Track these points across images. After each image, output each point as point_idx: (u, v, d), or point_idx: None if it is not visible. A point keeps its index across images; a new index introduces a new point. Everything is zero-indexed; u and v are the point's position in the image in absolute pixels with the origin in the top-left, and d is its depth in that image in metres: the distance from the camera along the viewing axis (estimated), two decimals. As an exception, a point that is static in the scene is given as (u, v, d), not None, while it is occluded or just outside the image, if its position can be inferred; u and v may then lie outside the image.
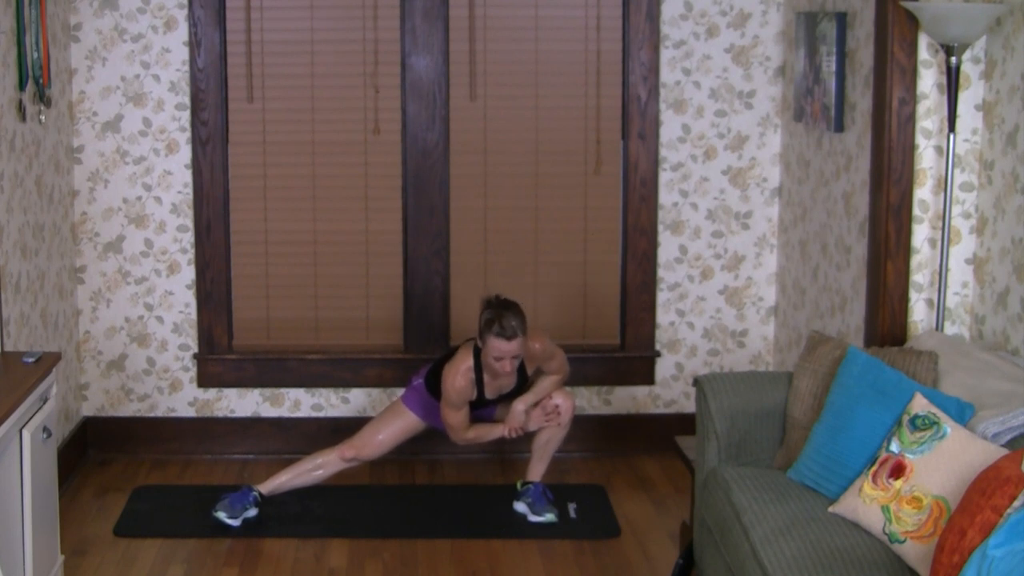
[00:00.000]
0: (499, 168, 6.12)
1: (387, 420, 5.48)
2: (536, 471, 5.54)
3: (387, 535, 5.33)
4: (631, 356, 6.21)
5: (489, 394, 5.38)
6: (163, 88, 5.98)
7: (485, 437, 5.47)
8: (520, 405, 5.40)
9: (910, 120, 4.69)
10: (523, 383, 5.42)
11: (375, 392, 6.17)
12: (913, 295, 4.80)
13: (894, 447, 3.84)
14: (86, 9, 5.90)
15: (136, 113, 5.99)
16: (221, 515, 5.35)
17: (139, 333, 6.11)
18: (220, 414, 6.19)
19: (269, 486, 5.45)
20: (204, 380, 6.15)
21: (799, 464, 4.18)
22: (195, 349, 6.14)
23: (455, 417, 5.35)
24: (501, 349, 5.16)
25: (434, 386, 5.38)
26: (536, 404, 5.43)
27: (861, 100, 5.01)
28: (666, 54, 6.04)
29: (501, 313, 5.16)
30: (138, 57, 5.95)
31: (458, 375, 5.29)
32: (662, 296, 6.19)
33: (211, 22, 5.93)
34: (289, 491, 5.49)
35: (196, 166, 6.02)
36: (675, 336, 6.22)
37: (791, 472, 4.20)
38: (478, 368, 5.31)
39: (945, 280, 4.64)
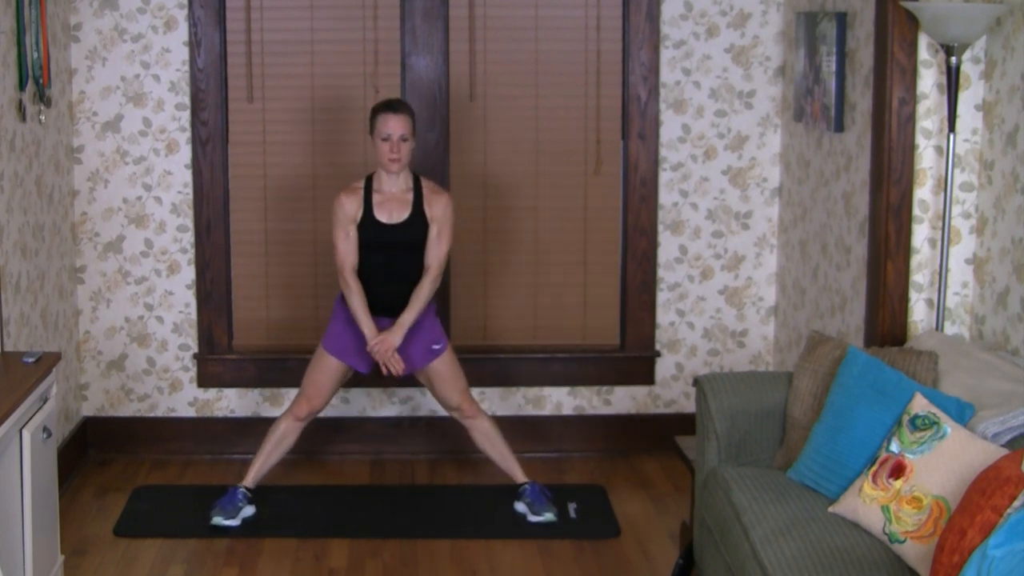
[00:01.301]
0: (499, 168, 6.12)
1: (317, 367, 5.47)
2: (515, 472, 5.54)
3: (387, 535, 5.33)
4: (631, 356, 6.21)
5: (380, 215, 5.30)
6: (163, 88, 5.98)
7: (357, 313, 5.34)
8: (394, 339, 5.31)
9: (910, 120, 4.69)
10: (419, 223, 5.32)
11: (375, 392, 6.17)
12: (913, 295, 4.80)
13: (894, 447, 3.84)
14: (86, 9, 5.90)
15: (136, 113, 5.99)
16: (218, 519, 5.35)
17: (139, 333, 6.11)
18: (220, 414, 6.19)
19: (251, 478, 5.46)
20: (204, 380, 6.15)
21: (799, 464, 4.18)
22: (195, 349, 6.14)
23: (341, 241, 5.33)
24: (388, 124, 5.20)
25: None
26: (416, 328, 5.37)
27: (861, 100, 5.02)
28: (666, 54, 6.04)
29: (387, 99, 5.32)
30: (138, 57, 5.96)
31: (344, 192, 5.34)
32: (662, 296, 6.19)
33: (211, 22, 5.93)
34: (270, 471, 5.51)
35: (196, 166, 6.02)
36: (675, 336, 6.22)
37: (791, 472, 4.20)
38: (368, 191, 5.31)
39: (945, 280, 4.64)
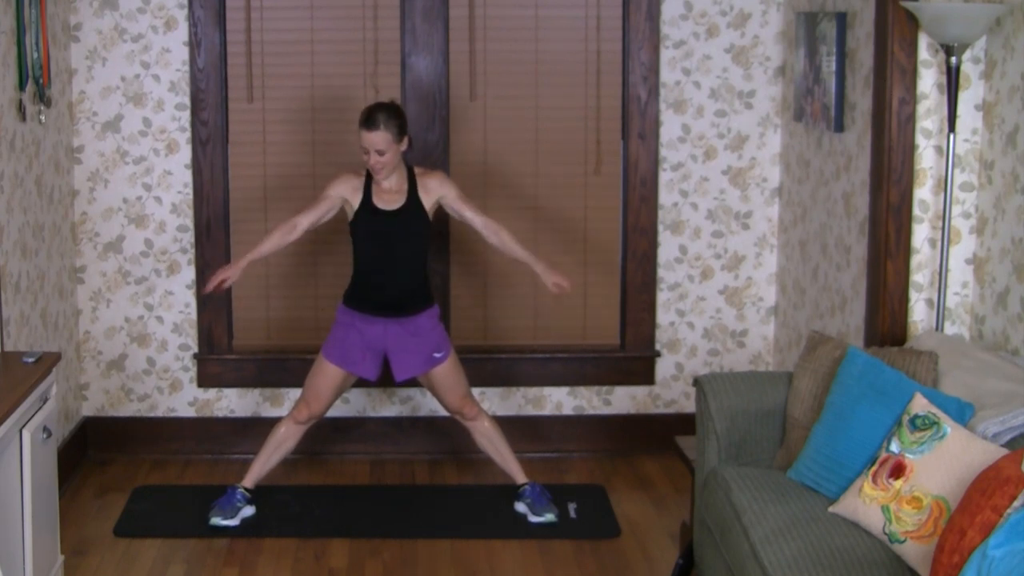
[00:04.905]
0: (499, 168, 6.12)
1: (318, 374, 5.46)
2: (515, 472, 5.53)
3: (387, 535, 5.33)
4: (631, 356, 6.21)
5: (376, 200, 5.33)
6: (163, 88, 5.98)
7: (255, 251, 5.38)
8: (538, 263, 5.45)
9: (910, 120, 4.69)
10: (415, 209, 5.34)
11: (375, 392, 6.17)
12: (913, 295, 4.80)
13: (894, 447, 3.84)
14: (86, 9, 5.90)
15: (136, 113, 5.99)
16: (217, 520, 5.35)
17: (139, 333, 6.11)
18: (220, 414, 6.19)
19: (251, 478, 5.46)
20: (204, 380, 6.15)
21: (799, 464, 4.18)
22: (195, 349, 6.14)
23: (315, 202, 5.36)
24: (365, 139, 5.22)
25: (349, 298, 5.42)
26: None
27: (861, 100, 5.02)
28: (666, 54, 6.04)
29: (373, 108, 5.27)
30: (138, 57, 5.96)
31: (352, 171, 5.39)
32: (662, 296, 6.19)
33: (211, 22, 5.93)
34: (270, 472, 5.51)
35: (196, 166, 6.02)
36: (675, 336, 6.22)
37: (791, 472, 4.20)
38: (369, 181, 5.34)
39: (945, 280, 4.64)
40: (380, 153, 5.22)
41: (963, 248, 4.73)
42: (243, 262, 5.33)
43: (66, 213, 5.89)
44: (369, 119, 5.21)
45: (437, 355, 5.42)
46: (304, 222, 5.35)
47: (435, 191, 5.38)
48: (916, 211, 4.76)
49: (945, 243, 4.61)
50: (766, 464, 4.42)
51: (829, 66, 5.25)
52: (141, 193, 6.04)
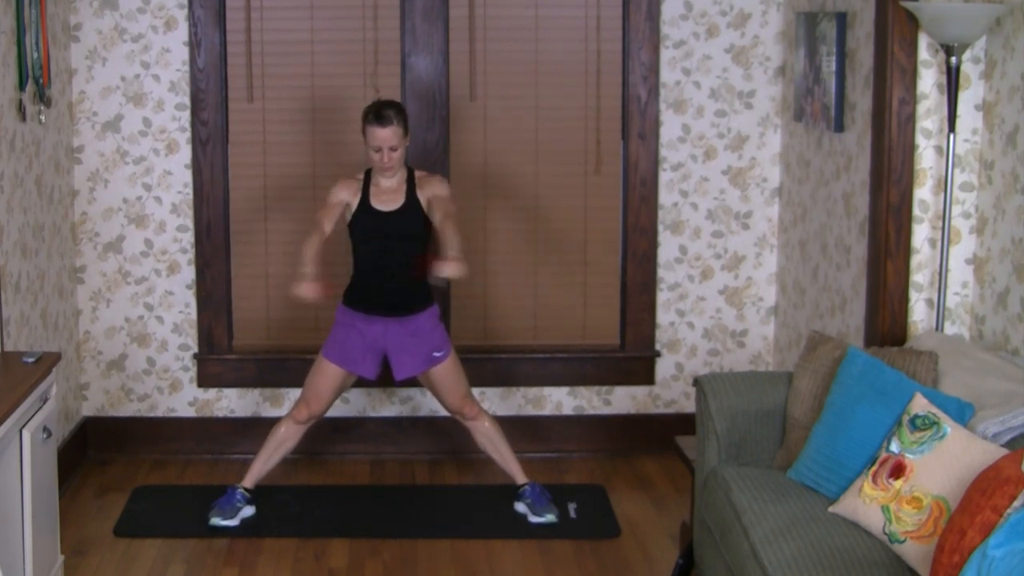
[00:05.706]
0: (499, 168, 6.12)
1: (317, 374, 5.46)
2: (515, 472, 5.53)
3: (387, 535, 5.33)
4: (631, 356, 6.21)
5: (374, 201, 5.35)
6: (163, 88, 5.98)
7: (305, 254, 5.29)
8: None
9: (910, 120, 4.69)
10: (413, 209, 5.34)
11: (375, 392, 6.17)
12: (913, 295, 4.80)
13: (894, 447, 3.84)
14: (86, 9, 5.90)
15: (136, 113, 5.99)
16: (217, 520, 5.35)
17: (139, 333, 6.11)
18: (220, 414, 6.19)
19: (250, 478, 5.46)
20: (204, 380, 6.15)
21: (799, 464, 4.18)
22: (195, 349, 6.14)
23: (320, 211, 5.38)
24: (377, 136, 5.23)
25: (349, 298, 5.43)
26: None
27: (861, 100, 5.02)
28: (666, 54, 6.04)
29: (379, 104, 5.29)
30: (138, 57, 5.96)
31: (344, 179, 5.43)
32: (662, 296, 6.19)
33: (211, 22, 5.93)
34: (270, 472, 5.51)
35: (196, 166, 6.02)
36: (675, 336, 6.22)
37: (791, 472, 4.20)
38: (367, 183, 5.37)
39: (945, 280, 4.64)
40: (392, 149, 5.25)
41: (963, 248, 4.73)
42: (308, 273, 5.25)
43: (66, 213, 5.89)
44: (380, 115, 5.23)
45: (437, 354, 5.42)
46: (325, 225, 5.35)
47: (431, 190, 5.37)
48: (916, 211, 4.76)
49: (945, 243, 4.61)
50: (766, 464, 4.42)
51: (829, 66, 5.25)
52: (141, 193, 6.04)
